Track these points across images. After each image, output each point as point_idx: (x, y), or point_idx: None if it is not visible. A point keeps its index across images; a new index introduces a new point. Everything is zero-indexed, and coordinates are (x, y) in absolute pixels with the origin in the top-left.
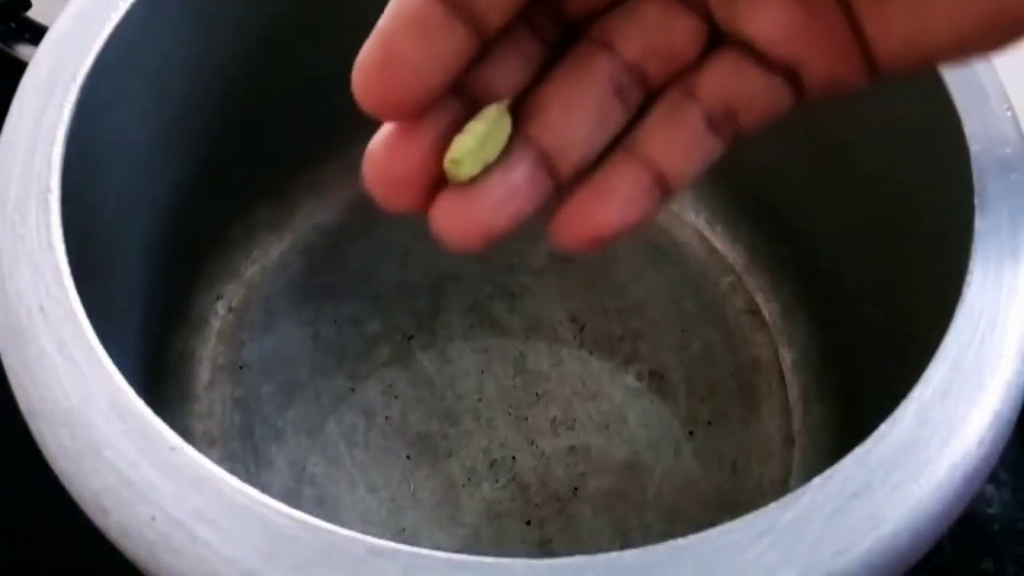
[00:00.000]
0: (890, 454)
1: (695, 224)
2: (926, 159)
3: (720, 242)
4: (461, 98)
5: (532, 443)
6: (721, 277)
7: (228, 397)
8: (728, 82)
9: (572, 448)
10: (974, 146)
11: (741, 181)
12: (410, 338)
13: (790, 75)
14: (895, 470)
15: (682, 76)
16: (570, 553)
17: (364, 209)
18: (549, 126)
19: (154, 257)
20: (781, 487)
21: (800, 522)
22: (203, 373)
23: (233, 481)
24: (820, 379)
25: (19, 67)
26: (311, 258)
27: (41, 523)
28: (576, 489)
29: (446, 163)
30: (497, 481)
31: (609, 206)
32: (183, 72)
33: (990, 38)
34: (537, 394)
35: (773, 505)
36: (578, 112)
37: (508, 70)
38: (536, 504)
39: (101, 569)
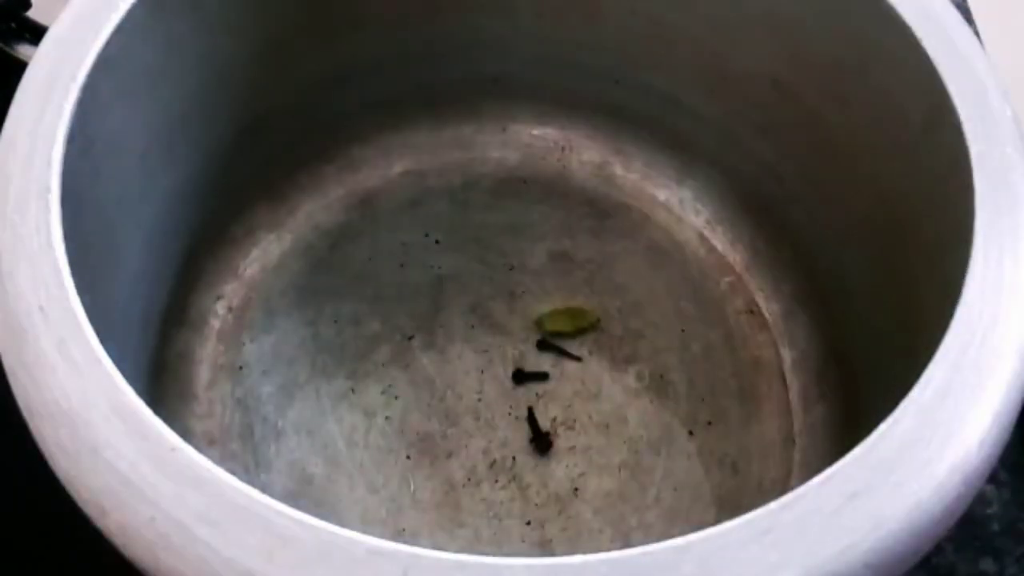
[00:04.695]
0: (890, 454)
1: (695, 224)
2: (926, 159)
3: (720, 242)
4: None
5: (532, 443)
6: (721, 277)
7: (228, 397)
8: None
9: (572, 448)
10: (974, 146)
11: (741, 181)
12: (410, 338)
13: None
14: (895, 470)
15: None
16: (570, 553)
17: (364, 209)
18: None
19: (154, 257)
20: (781, 487)
21: (800, 522)
22: (203, 373)
23: (233, 481)
24: (820, 379)
25: (19, 67)
26: (311, 258)
27: (41, 523)
28: (576, 489)
29: None
30: (497, 481)
31: None
32: (183, 72)
33: None
34: (537, 394)
35: (773, 505)
36: None
37: None
38: (536, 504)
39: (100, 569)
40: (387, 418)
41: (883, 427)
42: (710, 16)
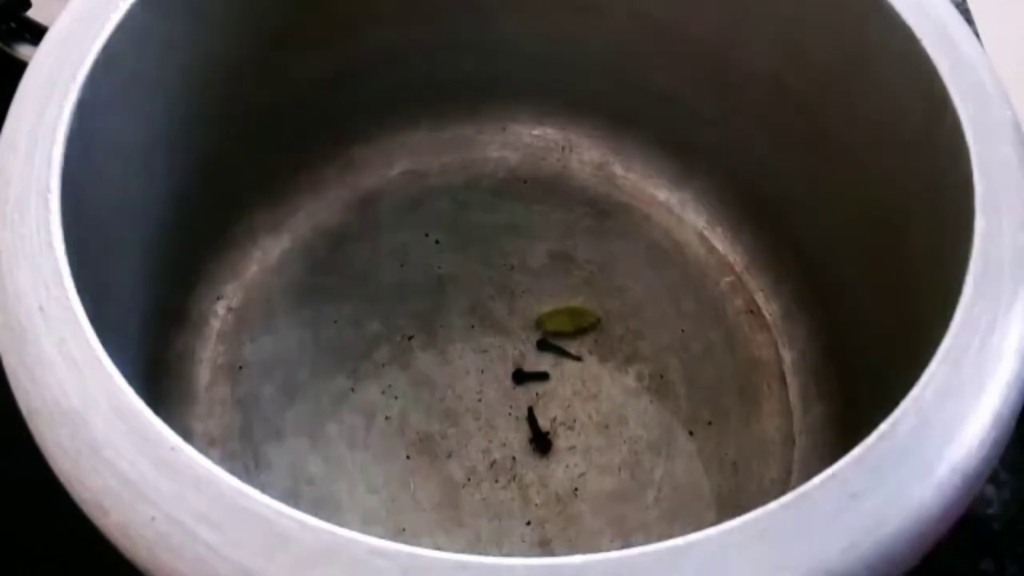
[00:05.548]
0: (890, 454)
1: (695, 224)
2: (926, 159)
3: (720, 242)
4: None
5: (532, 443)
6: (721, 277)
7: (228, 397)
8: None
9: (572, 448)
10: (974, 146)
11: (741, 181)
12: (410, 338)
13: None
14: (895, 470)
15: None
16: (570, 553)
17: (364, 209)
18: None
19: (154, 257)
20: (781, 487)
21: (800, 522)
22: (203, 373)
23: (233, 481)
24: (820, 379)
25: (19, 67)
26: (311, 258)
27: (41, 523)
28: (576, 489)
29: None
30: (497, 481)
31: None
32: (183, 72)
33: None
34: (537, 394)
35: (773, 505)
36: None
37: None
38: (536, 504)
39: (100, 569)
40: (387, 418)
41: (883, 427)
42: (710, 16)
